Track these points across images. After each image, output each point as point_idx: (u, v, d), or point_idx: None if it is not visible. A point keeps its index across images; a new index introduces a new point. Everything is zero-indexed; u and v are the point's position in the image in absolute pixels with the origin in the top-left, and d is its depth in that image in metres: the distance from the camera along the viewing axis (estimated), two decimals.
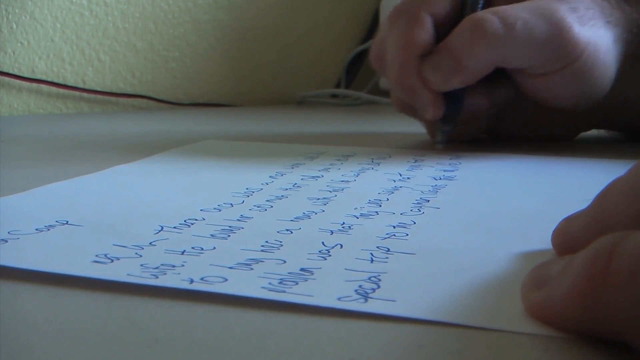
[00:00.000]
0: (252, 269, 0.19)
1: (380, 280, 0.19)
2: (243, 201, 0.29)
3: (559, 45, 0.38)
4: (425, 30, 0.40)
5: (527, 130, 0.47)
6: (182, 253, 0.21)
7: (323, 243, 0.22)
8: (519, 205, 0.28)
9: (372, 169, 0.37)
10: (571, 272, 0.15)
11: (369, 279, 0.19)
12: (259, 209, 0.27)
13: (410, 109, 0.44)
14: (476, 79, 0.40)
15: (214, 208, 0.27)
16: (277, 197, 0.30)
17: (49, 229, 0.24)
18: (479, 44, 0.38)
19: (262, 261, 0.20)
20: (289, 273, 0.19)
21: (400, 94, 0.42)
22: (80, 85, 0.81)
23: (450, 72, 0.39)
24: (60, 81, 0.80)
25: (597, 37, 0.39)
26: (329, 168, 0.37)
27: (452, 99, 0.41)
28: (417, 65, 0.40)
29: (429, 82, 0.40)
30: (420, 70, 0.40)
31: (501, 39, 0.37)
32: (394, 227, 0.24)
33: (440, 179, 0.34)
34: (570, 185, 0.32)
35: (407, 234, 0.23)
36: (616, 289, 0.13)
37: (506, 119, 0.46)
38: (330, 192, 0.31)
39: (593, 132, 0.51)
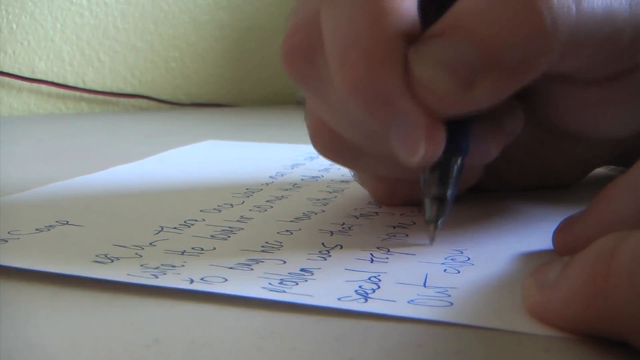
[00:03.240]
0: (252, 269, 0.19)
1: (380, 280, 0.19)
2: (243, 201, 0.29)
3: None
4: None
5: (525, 178, 0.29)
6: (182, 253, 0.21)
7: (323, 244, 0.22)
8: (521, 205, 0.28)
9: None
10: (572, 272, 0.15)
11: (369, 279, 0.19)
12: (259, 209, 0.27)
13: (350, 151, 0.24)
14: (515, 89, 0.20)
15: (214, 208, 0.27)
16: (277, 197, 0.30)
17: (49, 229, 0.24)
18: (533, 21, 0.18)
19: (262, 261, 0.20)
20: (289, 273, 0.19)
21: (357, 111, 0.20)
22: (80, 85, 0.81)
23: (475, 71, 0.19)
24: (60, 81, 0.80)
25: None
26: (329, 168, 0.37)
27: (454, 131, 0.20)
28: (399, 55, 0.19)
29: (427, 90, 0.19)
30: (406, 65, 0.19)
31: (572, 16, 0.19)
32: (394, 227, 0.24)
33: None
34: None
35: (407, 234, 0.23)
36: (617, 289, 0.13)
37: (499, 166, 0.26)
38: (330, 192, 0.31)
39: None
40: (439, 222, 0.21)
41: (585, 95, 0.23)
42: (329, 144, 0.24)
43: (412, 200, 0.26)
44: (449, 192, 0.21)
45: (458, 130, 0.21)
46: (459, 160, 0.21)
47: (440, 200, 0.21)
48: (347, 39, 0.20)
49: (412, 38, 0.19)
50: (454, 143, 0.20)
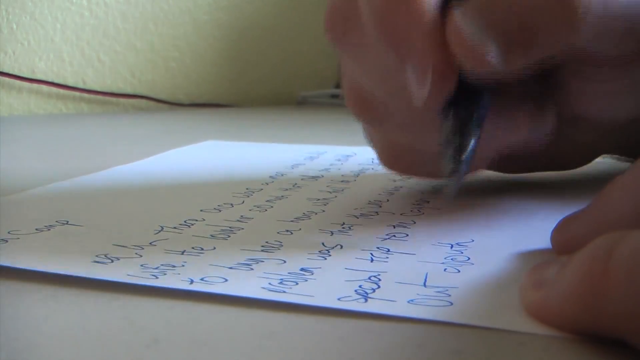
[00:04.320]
0: (252, 269, 0.19)
1: (380, 280, 0.19)
2: (243, 201, 0.29)
3: None
4: None
5: (531, 161, 0.30)
6: (182, 253, 0.21)
7: (323, 244, 0.22)
8: (520, 204, 0.28)
9: (372, 169, 0.37)
10: (570, 272, 0.15)
11: (369, 278, 0.19)
12: (259, 209, 0.27)
13: (377, 110, 0.26)
14: (537, 65, 0.22)
15: (214, 208, 0.27)
16: (277, 197, 0.30)
17: (49, 229, 0.24)
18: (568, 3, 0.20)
19: (262, 261, 0.20)
20: (289, 273, 0.19)
21: (383, 47, 0.22)
22: (80, 85, 0.81)
23: (511, 36, 0.21)
24: (60, 81, 0.80)
25: None
26: (329, 168, 0.37)
27: (471, 96, 0.22)
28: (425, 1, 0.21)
29: (465, 48, 0.21)
30: (432, 13, 0.21)
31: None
32: (394, 227, 0.24)
33: None
34: (569, 182, 0.32)
35: (407, 234, 0.23)
36: (615, 288, 0.13)
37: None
38: (330, 192, 0.31)
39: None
40: (459, 178, 0.22)
41: (605, 76, 0.25)
42: (360, 103, 0.26)
43: (414, 170, 0.29)
44: (471, 141, 0.22)
45: (480, 94, 0.22)
46: (478, 120, 0.22)
47: (458, 154, 0.22)
48: None
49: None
50: (473, 102, 0.22)
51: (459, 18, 0.21)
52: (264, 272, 0.19)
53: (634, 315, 0.13)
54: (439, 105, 0.22)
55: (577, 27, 0.21)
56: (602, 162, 0.37)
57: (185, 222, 0.25)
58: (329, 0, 0.26)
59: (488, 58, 0.21)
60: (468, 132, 0.22)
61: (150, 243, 0.22)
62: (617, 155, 0.34)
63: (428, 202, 0.28)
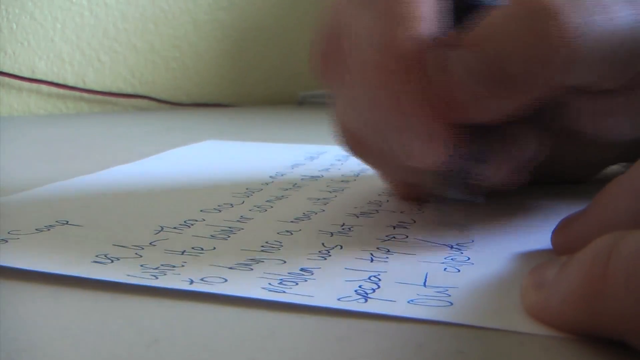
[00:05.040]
0: (252, 269, 0.19)
1: (380, 280, 0.19)
2: (243, 201, 0.29)
3: None
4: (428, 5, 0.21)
5: (535, 175, 0.28)
6: (182, 253, 0.21)
7: (323, 244, 0.22)
8: (520, 204, 0.28)
9: None
10: (569, 272, 0.15)
11: (369, 278, 0.19)
12: (259, 209, 0.27)
13: (369, 151, 0.26)
14: (527, 102, 0.21)
15: (214, 208, 0.27)
16: (277, 197, 0.30)
17: (49, 229, 0.24)
18: (544, 41, 0.20)
19: (262, 261, 0.20)
20: (288, 273, 0.19)
21: (373, 109, 0.22)
22: (80, 85, 0.81)
23: (490, 81, 0.20)
24: (60, 81, 0.80)
25: None
26: (329, 168, 0.37)
27: (466, 138, 0.21)
28: (414, 59, 0.20)
29: (445, 95, 0.20)
30: (420, 69, 0.20)
31: (580, 36, 0.20)
32: (394, 227, 0.24)
33: None
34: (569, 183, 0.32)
35: (407, 234, 0.23)
36: (614, 289, 0.13)
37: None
38: (330, 192, 0.31)
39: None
40: (445, 217, 0.22)
41: (598, 103, 0.25)
42: (353, 143, 0.26)
43: (430, 197, 0.28)
44: (456, 191, 0.22)
45: (471, 137, 0.21)
46: (468, 165, 0.22)
47: (451, 198, 0.22)
48: (367, 41, 0.21)
49: (430, 42, 0.21)
50: (466, 148, 0.21)
51: (433, 65, 0.20)
52: (264, 272, 0.19)
53: (633, 316, 0.13)
54: (439, 167, 0.21)
55: (571, 63, 0.20)
56: None
57: (185, 222, 0.25)
58: (317, 35, 0.24)
59: (482, 103, 0.20)
60: (454, 187, 0.22)
61: (150, 243, 0.22)
62: (624, 164, 0.34)
63: (428, 201, 0.28)
